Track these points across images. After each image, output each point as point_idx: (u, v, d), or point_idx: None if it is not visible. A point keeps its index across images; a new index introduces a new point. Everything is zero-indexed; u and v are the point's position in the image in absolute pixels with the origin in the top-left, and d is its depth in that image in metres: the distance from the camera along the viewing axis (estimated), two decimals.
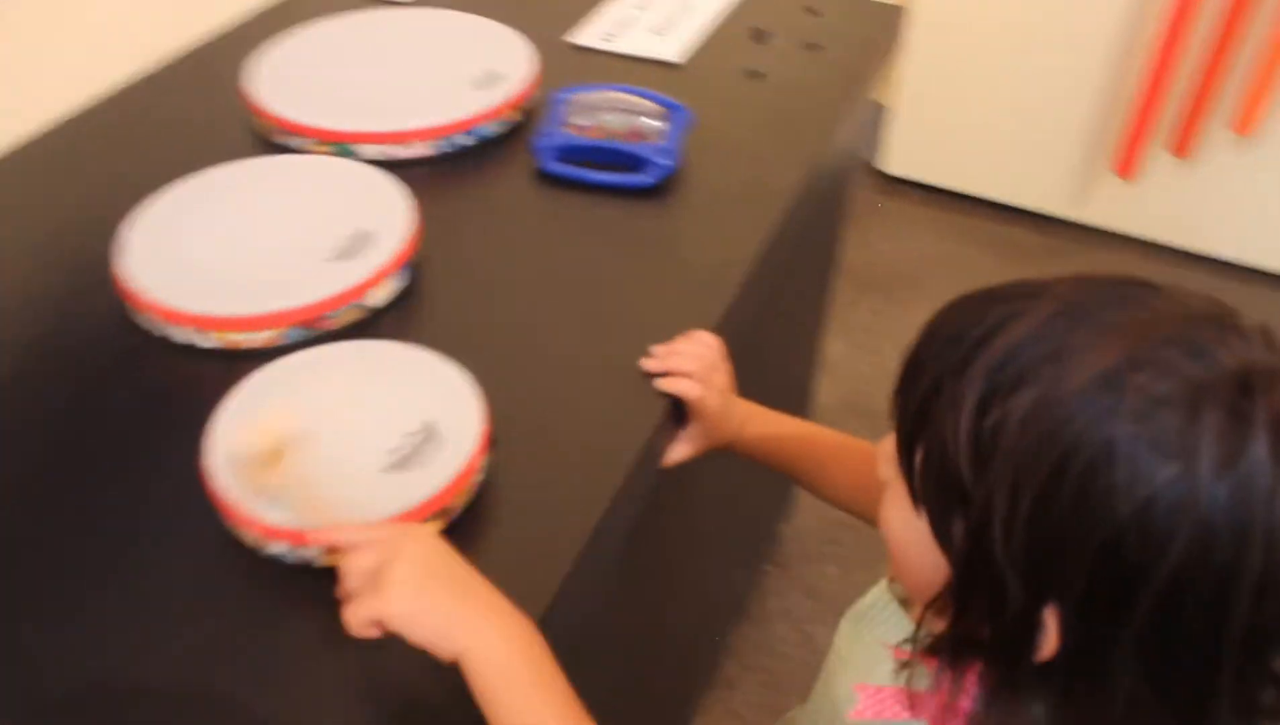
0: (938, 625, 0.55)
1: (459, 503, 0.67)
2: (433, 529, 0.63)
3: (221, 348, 0.79)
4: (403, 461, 0.67)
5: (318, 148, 0.98)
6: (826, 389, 2.03)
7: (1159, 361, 0.47)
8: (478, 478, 0.69)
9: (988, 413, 0.50)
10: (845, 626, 0.69)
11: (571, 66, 1.13)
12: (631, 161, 0.95)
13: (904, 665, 0.59)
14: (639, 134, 0.97)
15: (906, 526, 0.56)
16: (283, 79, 1.03)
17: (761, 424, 0.84)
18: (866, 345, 2.14)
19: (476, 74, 1.04)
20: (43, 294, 0.85)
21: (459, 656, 0.56)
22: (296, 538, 0.63)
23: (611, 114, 0.98)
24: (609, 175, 0.95)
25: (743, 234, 0.92)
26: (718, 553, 1.44)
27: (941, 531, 0.54)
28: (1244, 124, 2.11)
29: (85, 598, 0.64)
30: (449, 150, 1.00)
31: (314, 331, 0.80)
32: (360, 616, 0.56)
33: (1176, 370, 0.47)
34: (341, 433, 0.69)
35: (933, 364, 0.53)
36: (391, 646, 0.57)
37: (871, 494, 0.62)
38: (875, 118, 2.53)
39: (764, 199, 0.95)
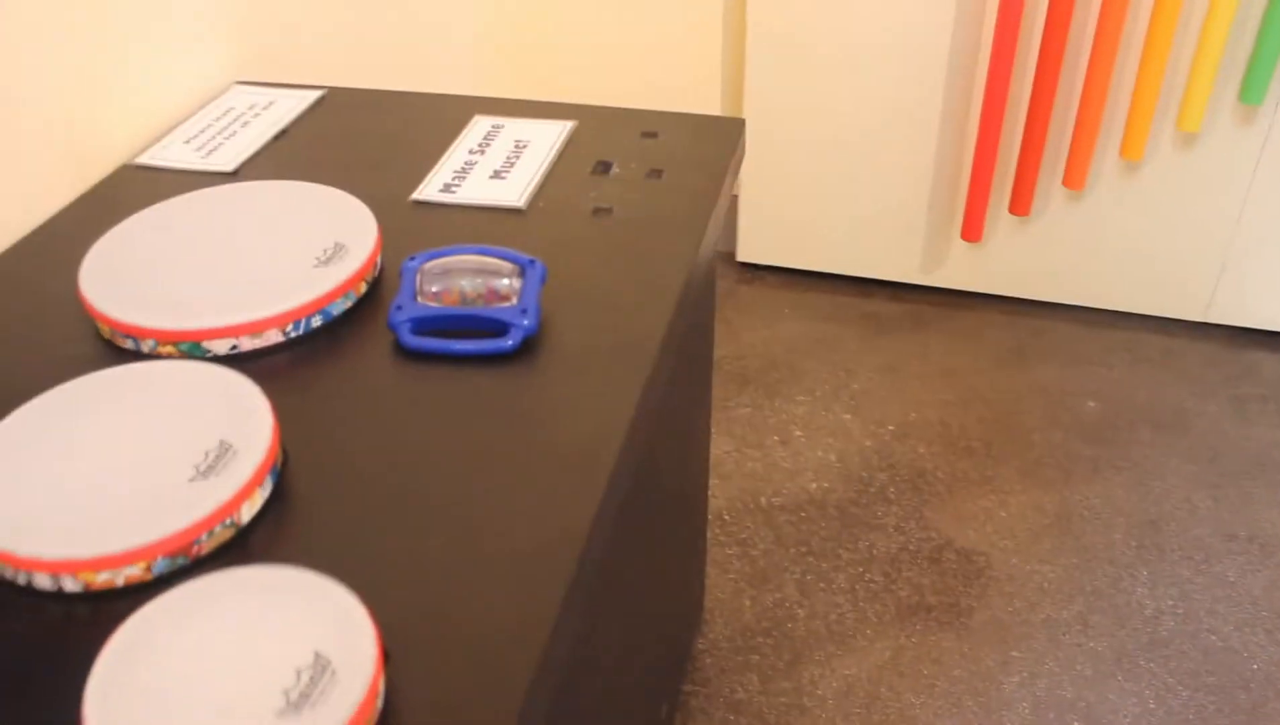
0: None
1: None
2: None
3: (87, 590, 0.74)
4: (299, 701, 0.62)
5: (165, 348, 0.94)
6: (716, 488, 2.03)
7: None
8: (378, 704, 0.65)
9: None
10: None
11: (416, 224, 1.11)
12: (492, 325, 0.94)
13: None
14: (495, 293, 0.96)
15: None
16: (118, 276, 0.99)
17: None
18: (750, 440, 2.15)
19: (320, 248, 1.02)
20: None
21: None
22: None
23: (465, 277, 0.97)
24: (470, 343, 0.93)
25: (614, 392, 0.90)
26: (641, 695, 1.40)
27: None
28: (1073, 180, 2.21)
29: None
30: (302, 333, 0.97)
31: (185, 559, 0.75)
32: None
33: None
34: (231, 676, 0.64)
35: None
36: None
37: None
38: (728, 208, 2.58)
39: (631, 349, 0.94)
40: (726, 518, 1.97)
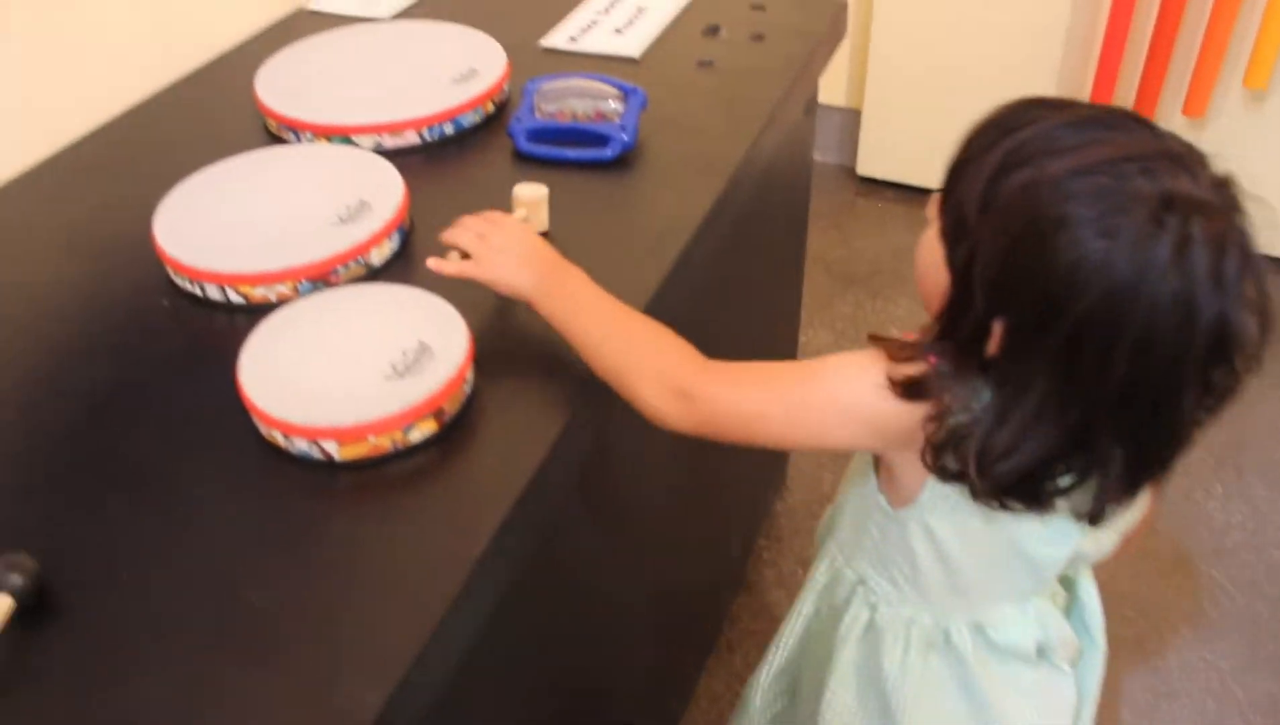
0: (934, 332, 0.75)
1: (452, 407, 0.79)
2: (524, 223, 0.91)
3: (246, 302, 0.91)
4: (403, 372, 0.79)
5: (321, 141, 1.11)
6: None
7: (1118, 171, 0.66)
8: (466, 387, 0.81)
9: (996, 180, 0.69)
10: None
11: (541, 66, 1.26)
12: (595, 139, 1.08)
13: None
14: (601, 115, 1.10)
15: (931, 252, 0.75)
16: (287, 84, 1.17)
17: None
18: (849, 335, 2.26)
19: (456, 73, 1.18)
20: (98, 268, 0.99)
21: (531, 297, 0.83)
22: (313, 434, 0.75)
23: (576, 99, 1.11)
24: (575, 151, 1.08)
25: (692, 197, 1.04)
26: (717, 525, 1.55)
27: (950, 255, 0.73)
28: (1194, 107, 2.23)
29: (138, 490, 0.76)
30: (435, 139, 1.13)
31: (324, 285, 0.92)
32: (467, 274, 0.85)
33: (1128, 180, 0.65)
34: (350, 351, 0.81)
35: (974, 142, 0.73)
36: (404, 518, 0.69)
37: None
38: (849, 123, 2.67)
39: (710, 168, 1.08)
40: None
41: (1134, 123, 0.70)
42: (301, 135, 1.12)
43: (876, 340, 0.78)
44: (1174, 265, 0.64)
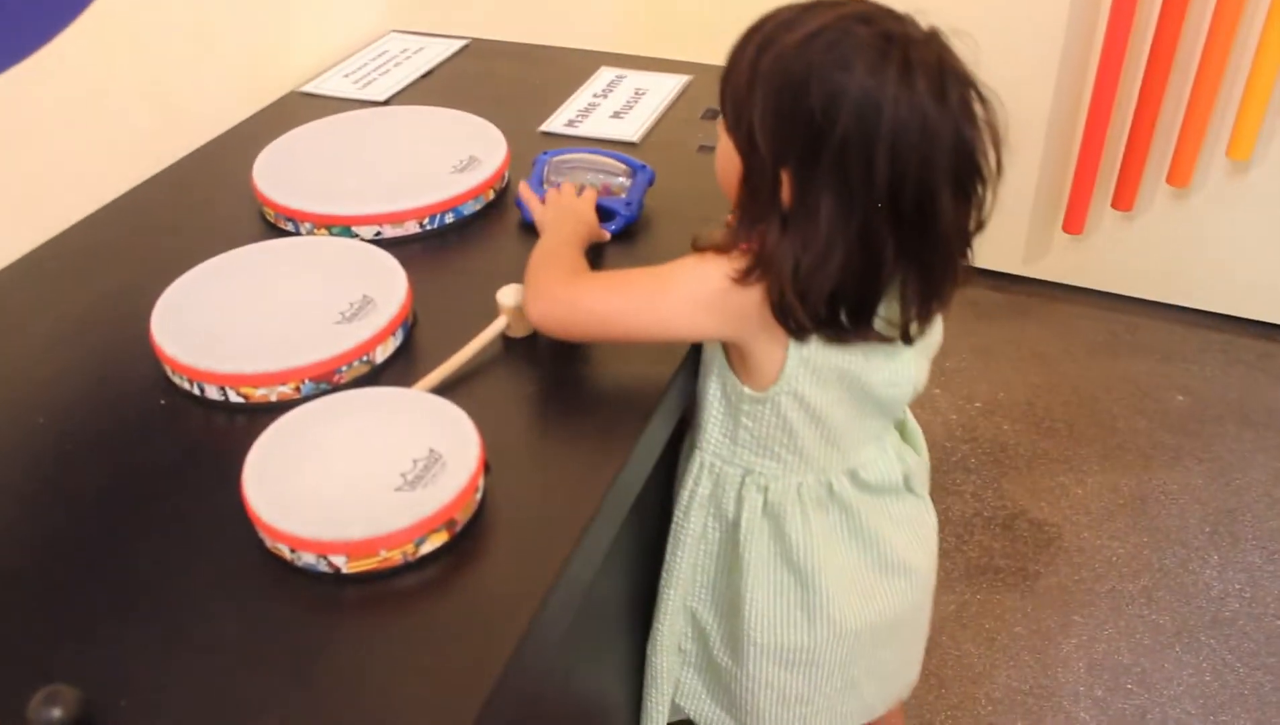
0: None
1: (464, 516, 0.77)
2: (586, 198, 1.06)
3: (246, 402, 0.90)
4: (414, 482, 0.77)
5: (320, 231, 1.10)
6: None
7: (843, 27, 0.81)
8: (478, 495, 0.79)
9: (755, 65, 0.83)
10: None
11: (539, 150, 1.26)
12: (601, 213, 1.08)
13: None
14: (608, 190, 1.10)
15: (724, 152, 0.90)
16: (285, 172, 1.16)
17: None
18: None
19: (457, 160, 1.17)
20: (94, 363, 0.97)
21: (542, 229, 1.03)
22: (322, 548, 0.73)
23: (585, 173, 1.12)
24: None
25: None
26: None
27: (736, 140, 0.87)
28: (1178, 176, 2.26)
29: (138, 605, 0.74)
30: (435, 227, 1.12)
31: (326, 385, 0.91)
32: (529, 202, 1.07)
33: (852, 31, 0.81)
34: (358, 459, 0.79)
35: (735, 50, 0.86)
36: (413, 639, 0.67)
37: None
38: None
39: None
40: None
41: None
42: (301, 225, 1.11)
43: (704, 248, 0.90)
44: (902, 84, 0.79)
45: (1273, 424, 2.20)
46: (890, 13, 0.84)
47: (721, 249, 0.88)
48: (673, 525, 1.07)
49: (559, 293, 0.92)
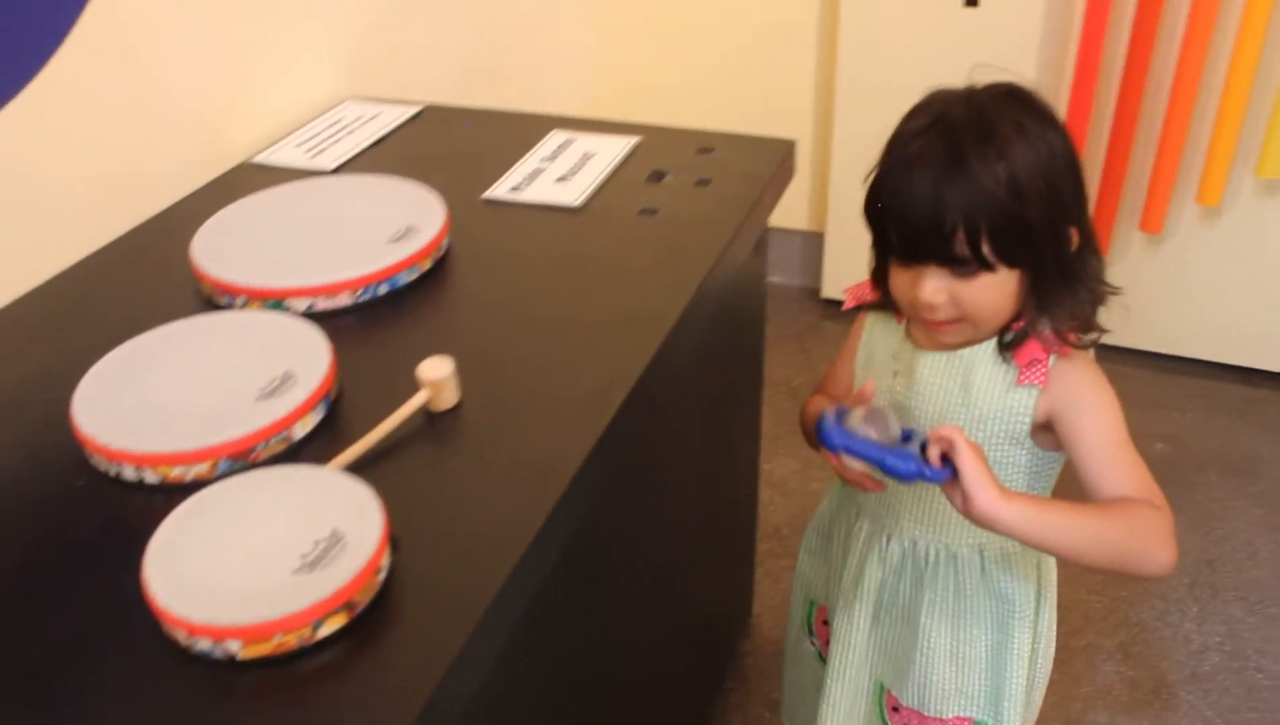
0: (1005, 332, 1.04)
1: (364, 598, 0.76)
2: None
3: (163, 483, 0.89)
4: (313, 563, 0.76)
5: (253, 305, 1.10)
6: (778, 505, 2.12)
7: (1006, 100, 1.03)
8: (380, 576, 0.78)
9: (1014, 182, 0.95)
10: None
11: (482, 218, 1.26)
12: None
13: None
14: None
15: (998, 286, 0.99)
16: (223, 246, 1.16)
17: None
18: (815, 462, 2.23)
19: (394, 230, 1.17)
20: (17, 443, 0.96)
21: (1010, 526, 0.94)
22: (216, 633, 0.72)
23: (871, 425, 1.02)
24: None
25: (630, 353, 1.01)
26: (680, 672, 1.50)
27: (1015, 256, 0.98)
28: (1151, 223, 2.25)
29: (35, 691, 0.72)
30: (369, 298, 1.12)
31: (244, 463, 0.90)
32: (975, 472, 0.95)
33: (1018, 100, 1.04)
34: (259, 542, 0.78)
35: (943, 192, 0.95)
36: None
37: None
38: (812, 247, 2.68)
39: (650, 319, 1.06)
40: (785, 532, 2.06)
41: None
42: (235, 299, 1.11)
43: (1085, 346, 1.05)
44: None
45: (1252, 471, 2.18)
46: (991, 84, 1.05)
47: (1085, 345, 1.04)
48: None
49: (1169, 522, 0.99)
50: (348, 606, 0.75)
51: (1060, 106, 2.22)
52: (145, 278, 1.20)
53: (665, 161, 1.39)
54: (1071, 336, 1.03)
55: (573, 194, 1.30)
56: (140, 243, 1.27)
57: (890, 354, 1.14)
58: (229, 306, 1.11)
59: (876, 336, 1.17)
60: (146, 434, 0.90)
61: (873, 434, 1.00)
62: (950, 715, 1.19)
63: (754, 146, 1.44)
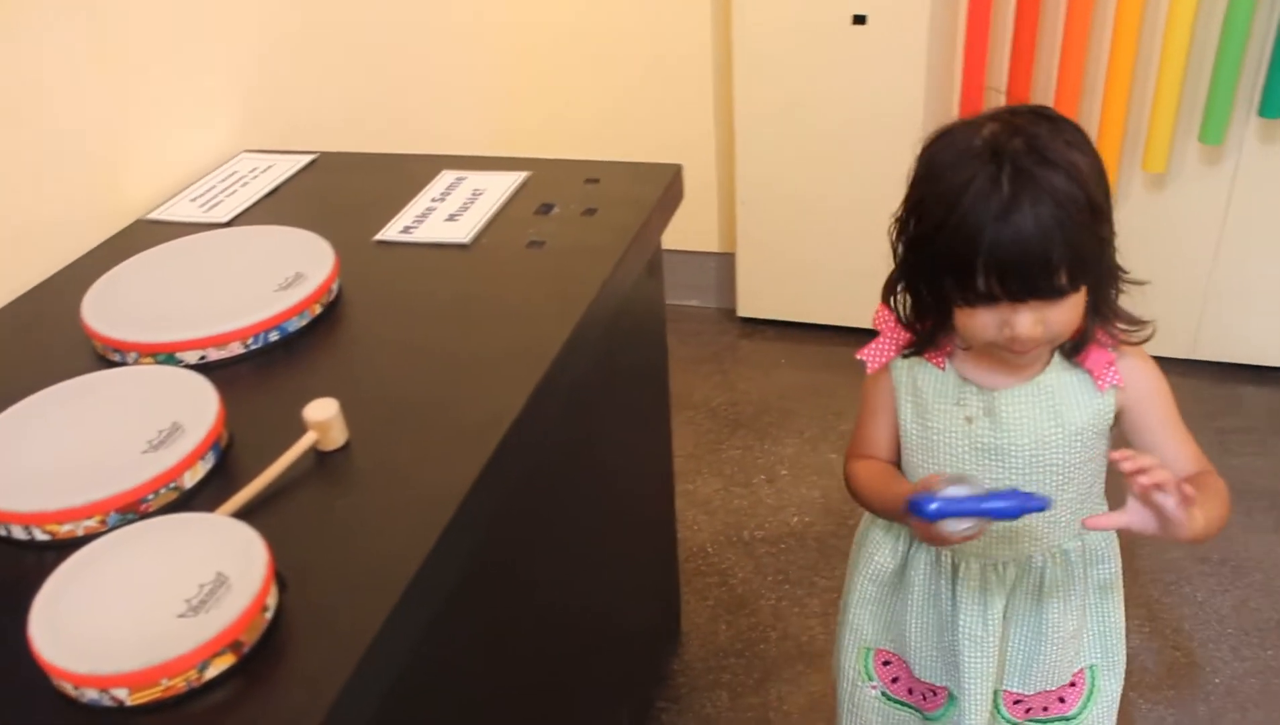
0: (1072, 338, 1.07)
1: (251, 636, 0.78)
2: None
3: (54, 539, 0.90)
4: (198, 607, 0.77)
5: (145, 360, 1.11)
6: (702, 524, 2.15)
7: (1039, 123, 1.01)
8: (267, 614, 0.79)
9: (1092, 203, 0.97)
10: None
11: (373, 260, 1.28)
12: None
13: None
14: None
15: (1079, 302, 1.01)
16: (114, 303, 1.17)
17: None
18: (738, 478, 2.27)
19: (283, 277, 1.19)
20: None
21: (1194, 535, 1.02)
22: (102, 683, 0.73)
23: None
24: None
25: (512, 387, 1.03)
26: (596, 692, 1.52)
27: (1092, 271, 1.00)
28: None
29: None
30: (261, 346, 1.13)
31: (134, 515, 0.91)
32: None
33: (1051, 124, 1.01)
34: (144, 590, 0.79)
35: (1046, 229, 0.95)
36: None
37: None
38: (725, 267, 2.73)
39: (531, 353, 1.08)
40: (710, 550, 2.09)
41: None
42: (127, 356, 1.12)
43: (1139, 343, 1.10)
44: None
45: None
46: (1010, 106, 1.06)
47: (1137, 342, 1.09)
48: None
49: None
50: (234, 646, 0.76)
51: (951, 117, 2.29)
52: (38, 340, 1.21)
53: (553, 194, 1.42)
54: (1119, 332, 1.08)
55: (462, 231, 1.33)
56: (33, 305, 1.28)
57: (952, 402, 1.13)
58: (121, 363, 1.12)
59: (921, 384, 1.16)
60: (34, 493, 0.91)
61: (965, 492, 1.03)
62: (1069, 676, 1.27)
63: (640, 173, 1.47)
